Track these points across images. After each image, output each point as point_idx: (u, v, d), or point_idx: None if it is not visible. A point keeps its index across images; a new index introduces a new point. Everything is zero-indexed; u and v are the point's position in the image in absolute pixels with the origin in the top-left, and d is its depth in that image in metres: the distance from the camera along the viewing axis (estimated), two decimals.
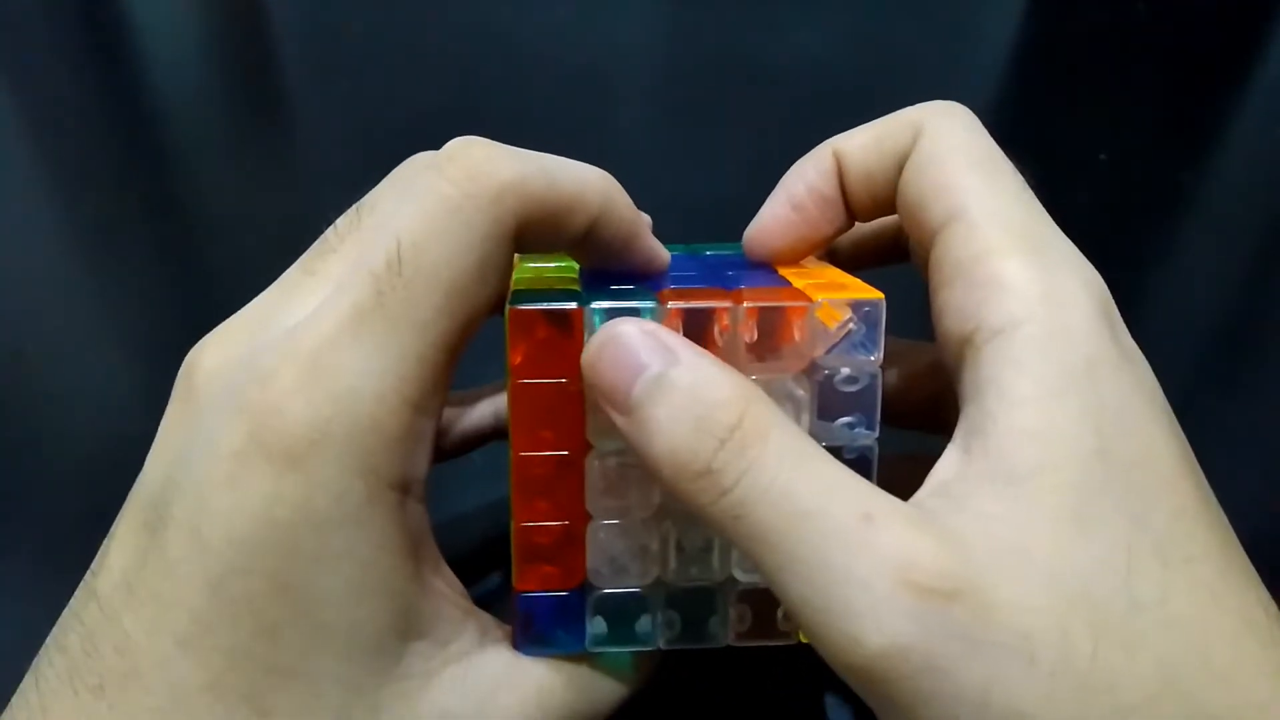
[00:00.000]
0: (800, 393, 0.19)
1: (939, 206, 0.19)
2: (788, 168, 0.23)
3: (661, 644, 0.20)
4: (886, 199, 0.21)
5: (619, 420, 0.17)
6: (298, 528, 0.16)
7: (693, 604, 0.20)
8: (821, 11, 0.64)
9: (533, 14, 0.63)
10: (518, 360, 0.18)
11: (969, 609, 0.14)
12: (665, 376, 0.16)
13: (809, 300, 0.19)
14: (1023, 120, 0.54)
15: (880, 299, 0.19)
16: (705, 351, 0.17)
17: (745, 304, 0.18)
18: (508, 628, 0.20)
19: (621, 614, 0.20)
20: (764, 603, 0.20)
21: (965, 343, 0.18)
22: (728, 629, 0.20)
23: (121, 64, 0.59)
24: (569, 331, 0.18)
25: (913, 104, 0.22)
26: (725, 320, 0.18)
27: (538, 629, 0.20)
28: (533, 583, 0.20)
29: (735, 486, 0.16)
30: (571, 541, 0.19)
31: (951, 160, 0.19)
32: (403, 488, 0.17)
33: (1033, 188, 0.20)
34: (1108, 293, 0.18)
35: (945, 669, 0.14)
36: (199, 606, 0.16)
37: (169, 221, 0.44)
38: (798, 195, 0.22)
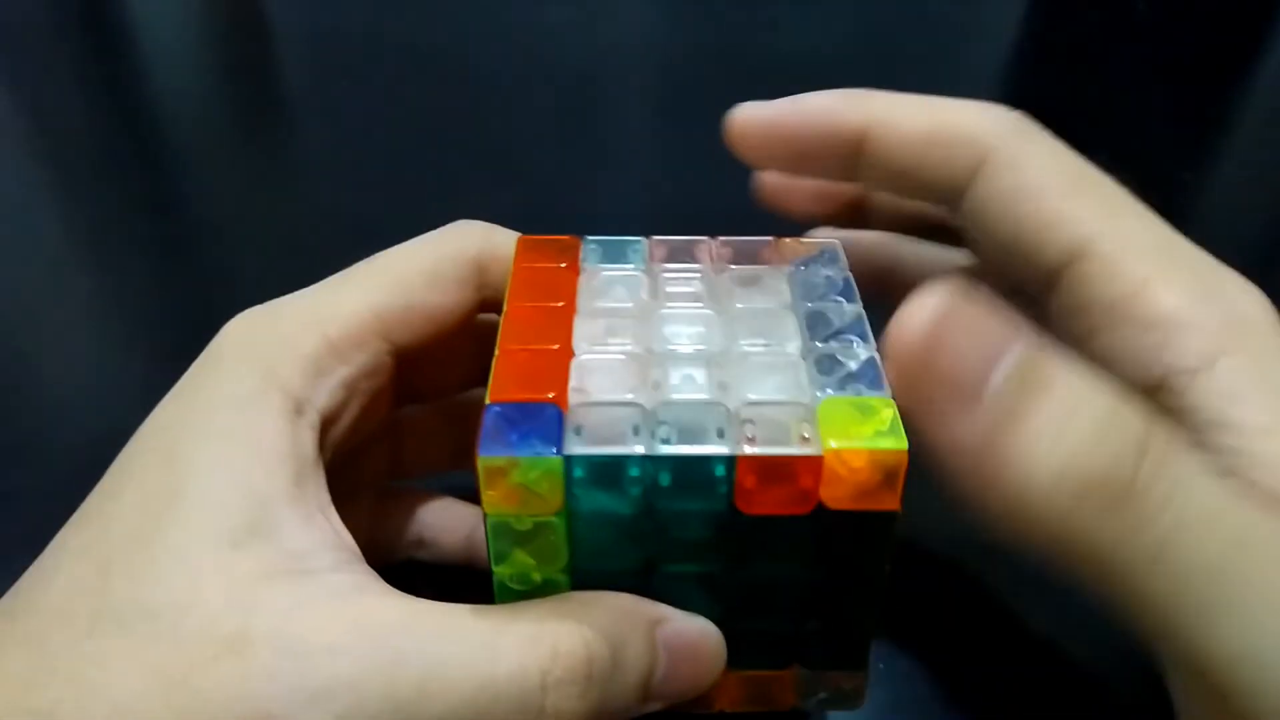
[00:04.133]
0: (788, 297, 0.21)
1: (1054, 244, 0.17)
2: None
3: (656, 449, 0.17)
4: (910, 210, 0.21)
5: (960, 425, 0.13)
6: (193, 408, 0.18)
7: (691, 414, 0.17)
8: (821, 11, 0.64)
9: (533, 14, 0.63)
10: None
11: None
12: (1039, 361, 0.13)
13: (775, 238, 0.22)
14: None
15: (837, 243, 0.22)
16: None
17: (719, 238, 0.22)
18: (407, 601, 0.17)
19: (607, 422, 0.17)
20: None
21: (1155, 390, 0.16)
22: (737, 442, 0.17)
23: (121, 64, 0.59)
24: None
25: None
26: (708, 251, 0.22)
27: (505, 426, 0.17)
28: (508, 396, 0.17)
29: (1162, 513, 0.13)
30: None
31: (1053, 189, 0.18)
32: (296, 405, 0.18)
33: None
34: (1266, 297, 0.17)
35: None
36: (104, 484, 0.18)
37: (169, 221, 0.44)
38: (802, 143, 0.21)
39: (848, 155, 0.20)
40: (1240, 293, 0.17)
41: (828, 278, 0.21)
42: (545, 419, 0.17)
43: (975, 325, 0.14)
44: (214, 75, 0.60)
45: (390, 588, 0.17)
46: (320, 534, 0.17)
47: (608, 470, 0.17)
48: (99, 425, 0.21)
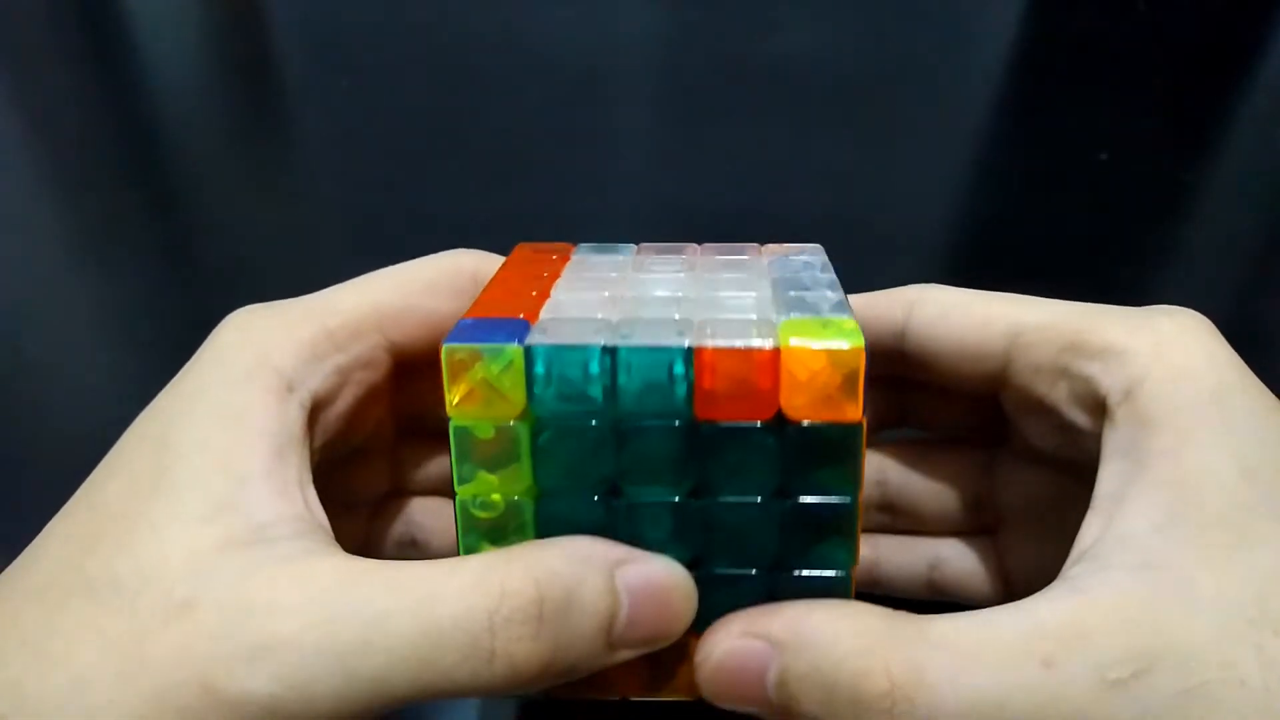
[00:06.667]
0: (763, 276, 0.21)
1: (993, 333, 0.20)
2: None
3: (618, 341, 0.17)
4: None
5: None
6: (186, 392, 0.19)
7: (654, 326, 0.18)
8: (821, 11, 0.64)
9: (533, 14, 0.63)
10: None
11: (1169, 669, 0.15)
12: (788, 671, 0.17)
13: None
14: (1023, 120, 0.54)
15: (819, 246, 0.22)
16: (804, 607, 0.17)
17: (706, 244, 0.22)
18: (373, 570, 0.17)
19: (572, 330, 0.18)
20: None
21: (1101, 417, 0.18)
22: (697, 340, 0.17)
23: (121, 64, 0.59)
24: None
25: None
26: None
27: (472, 328, 0.18)
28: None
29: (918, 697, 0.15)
30: None
31: (972, 300, 0.21)
32: (288, 383, 0.19)
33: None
34: (1202, 316, 0.19)
35: None
36: (97, 471, 0.18)
37: (169, 221, 0.44)
38: None
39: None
40: (1165, 315, 0.19)
41: (806, 262, 0.21)
42: (512, 324, 0.18)
43: (735, 661, 0.17)
44: (214, 74, 0.60)
45: (342, 551, 0.17)
46: (288, 507, 0.17)
47: (568, 363, 0.17)
48: (98, 424, 0.21)
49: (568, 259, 0.22)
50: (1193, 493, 0.16)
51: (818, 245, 0.23)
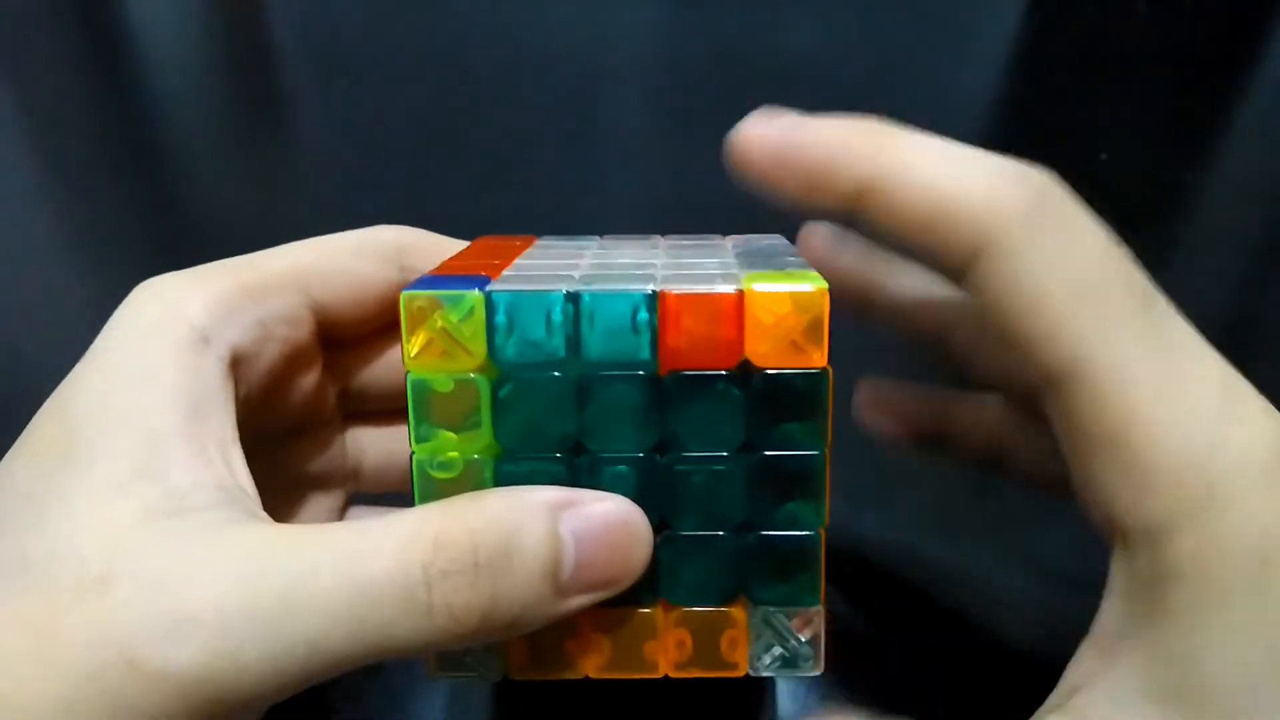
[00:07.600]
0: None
1: (1046, 356, 0.16)
2: None
3: (581, 288, 0.17)
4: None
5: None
6: (93, 355, 0.18)
7: (617, 278, 0.17)
8: (821, 11, 0.64)
9: (533, 14, 0.63)
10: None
11: None
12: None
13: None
14: (1023, 120, 0.54)
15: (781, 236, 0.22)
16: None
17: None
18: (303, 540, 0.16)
19: (534, 280, 0.17)
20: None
21: (1116, 533, 0.16)
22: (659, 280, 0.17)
23: (121, 64, 0.59)
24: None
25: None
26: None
27: (433, 280, 0.17)
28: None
29: None
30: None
31: (1051, 297, 0.16)
32: (202, 335, 0.18)
33: None
34: (1275, 426, 0.16)
35: None
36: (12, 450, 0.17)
37: (168, 221, 0.44)
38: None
39: (847, 201, 0.18)
40: (1233, 422, 0.16)
41: (770, 244, 0.21)
42: (474, 279, 0.17)
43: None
44: (214, 75, 0.60)
45: (267, 518, 0.17)
46: (208, 471, 0.17)
47: (530, 310, 0.17)
48: None
49: (531, 245, 0.22)
50: (1202, 669, 0.15)
51: (779, 235, 0.22)
